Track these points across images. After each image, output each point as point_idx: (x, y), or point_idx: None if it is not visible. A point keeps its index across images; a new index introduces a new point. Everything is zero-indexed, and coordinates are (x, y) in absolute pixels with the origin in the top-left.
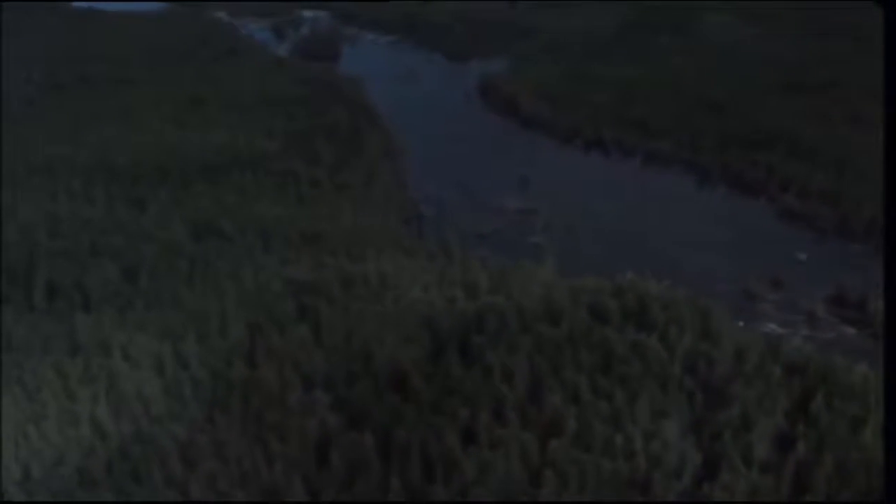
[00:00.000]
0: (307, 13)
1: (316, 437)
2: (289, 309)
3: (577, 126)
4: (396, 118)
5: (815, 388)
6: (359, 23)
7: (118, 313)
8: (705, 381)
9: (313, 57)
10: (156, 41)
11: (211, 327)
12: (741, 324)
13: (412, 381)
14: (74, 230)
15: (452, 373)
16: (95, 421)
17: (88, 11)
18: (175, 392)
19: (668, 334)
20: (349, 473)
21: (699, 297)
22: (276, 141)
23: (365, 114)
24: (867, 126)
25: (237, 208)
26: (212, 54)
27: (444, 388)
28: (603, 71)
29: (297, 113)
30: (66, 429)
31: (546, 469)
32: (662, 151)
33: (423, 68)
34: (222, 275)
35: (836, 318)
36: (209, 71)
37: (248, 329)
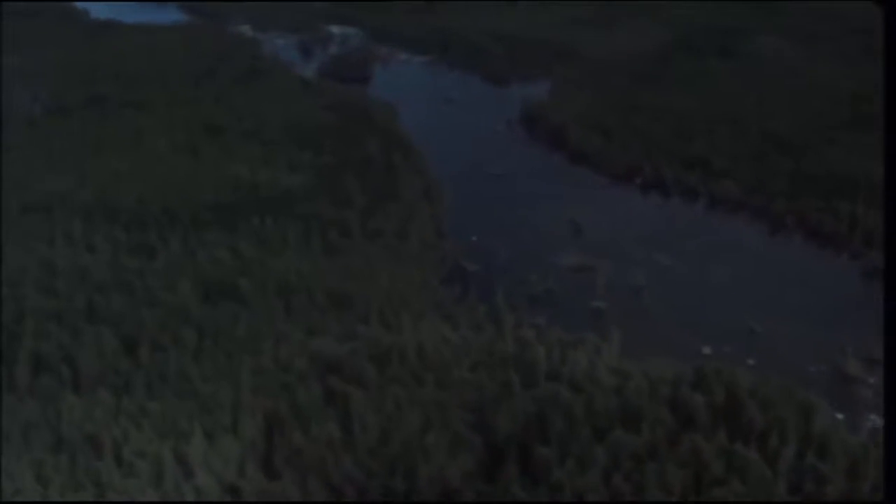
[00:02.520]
0: (336, 29)
1: None
2: (314, 395)
3: (632, 163)
4: (433, 151)
5: None
6: (390, 41)
7: (113, 397)
8: None
9: (343, 78)
10: (173, 57)
11: (221, 421)
12: (841, 416)
13: None
14: (70, 285)
15: (512, 493)
16: None
17: (106, 23)
18: None
19: (767, 441)
20: None
21: (795, 387)
22: (302, 177)
23: (399, 146)
24: None
25: (256, 261)
26: (233, 74)
27: None
28: (654, 98)
29: (325, 144)
30: None
31: None
32: (728, 195)
33: (459, 92)
34: (237, 348)
35: None
36: (229, 93)
37: (266, 422)
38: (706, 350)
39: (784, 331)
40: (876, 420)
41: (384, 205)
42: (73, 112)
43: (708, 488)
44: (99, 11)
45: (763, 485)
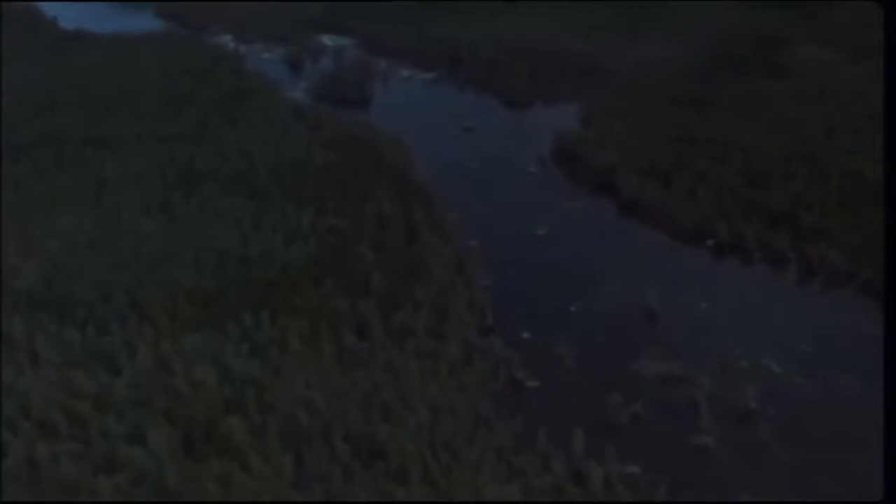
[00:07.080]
0: (327, 40)
1: None
2: None
3: (701, 218)
4: (458, 201)
5: None
6: (389, 53)
7: None
8: None
9: (339, 100)
10: (148, 77)
11: None
12: None
13: None
14: None
15: None
16: None
17: (75, 34)
18: None
19: None
20: None
21: None
22: (302, 247)
23: (419, 197)
24: None
25: (250, 385)
26: (214, 97)
27: None
28: (709, 128)
29: (327, 197)
30: None
31: None
32: (828, 263)
33: (476, 118)
34: None
35: None
36: (211, 124)
37: None
38: None
39: None
40: None
41: (410, 288)
42: (23, 153)
43: None
44: (68, 18)
45: None
